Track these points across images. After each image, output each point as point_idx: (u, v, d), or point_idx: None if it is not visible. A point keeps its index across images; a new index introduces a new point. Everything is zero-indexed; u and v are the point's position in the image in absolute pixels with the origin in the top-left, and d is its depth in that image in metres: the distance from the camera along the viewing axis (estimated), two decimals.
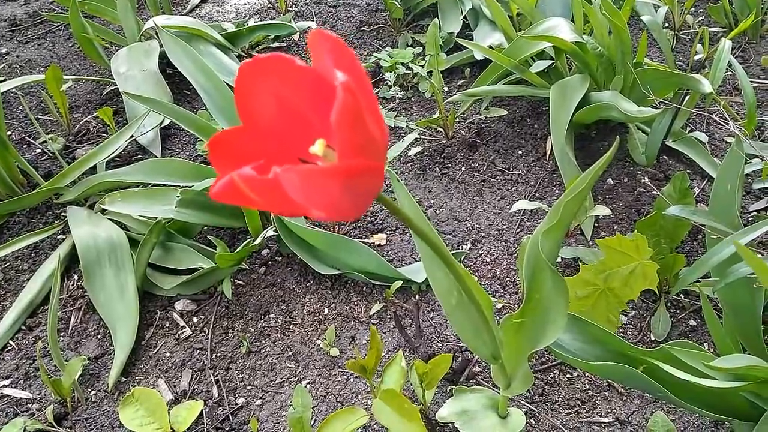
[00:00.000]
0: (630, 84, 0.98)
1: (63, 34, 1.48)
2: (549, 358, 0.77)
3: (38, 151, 1.14)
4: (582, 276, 0.71)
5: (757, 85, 1.15)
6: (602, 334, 0.59)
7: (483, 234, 0.94)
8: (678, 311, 0.82)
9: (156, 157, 1.10)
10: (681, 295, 0.82)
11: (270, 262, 0.91)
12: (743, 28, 1.14)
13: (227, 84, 0.97)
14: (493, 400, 0.65)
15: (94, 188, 0.95)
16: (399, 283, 0.83)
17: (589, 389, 0.74)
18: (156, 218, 0.85)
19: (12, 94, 1.26)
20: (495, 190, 1.01)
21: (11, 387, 0.79)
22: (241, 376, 0.78)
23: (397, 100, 1.22)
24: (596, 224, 0.93)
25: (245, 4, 1.57)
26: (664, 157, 1.02)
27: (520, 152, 1.07)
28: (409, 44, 1.34)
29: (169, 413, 0.66)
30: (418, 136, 1.09)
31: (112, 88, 1.26)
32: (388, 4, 1.35)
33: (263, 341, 0.82)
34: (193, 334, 0.84)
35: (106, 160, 1.02)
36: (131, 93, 0.98)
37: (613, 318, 0.72)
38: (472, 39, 1.26)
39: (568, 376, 0.76)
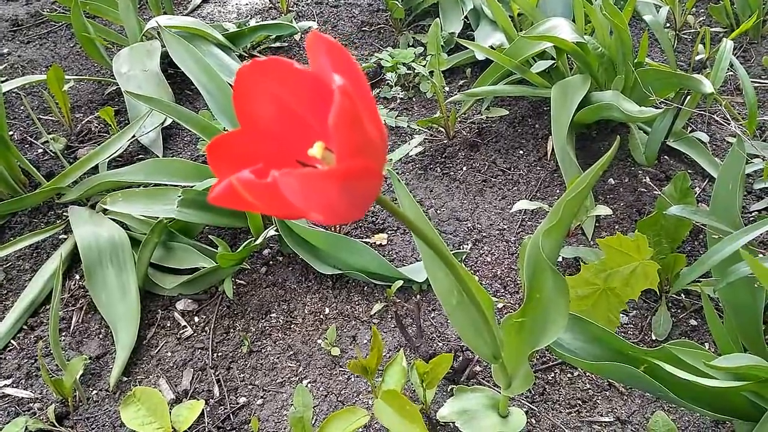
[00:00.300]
0: (631, 84, 0.98)
1: (64, 34, 1.49)
2: (550, 357, 0.77)
3: (40, 151, 1.14)
4: (583, 275, 0.71)
5: (758, 85, 1.15)
6: (603, 333, 0.59)
7: (484, 234, 0.94)
8: (679, 311, 0.82)
9: (158, 157, 1.10)
10: (682, 294, 0.82)
11: (271, 262, 0.92)
12: (745, 29, 1.14)
13: (229, 84, 0.97)
14: (494, 400, 0.65)
15: (95, 188, 0.95)
16: (400, 283, 0.83)
17: (589, 389, 0.74)
18: (157, 218, 0.85)
19: (14, 94, 1.26)
20: (496, 189, 1.01)
21: (13, 386, 0.79)
22: (242, 375, 0.78)
23: (399, 100, 1.22)
24: (597, 224, 0.93)
25: (246, 4, 1.57)
26: (665, 157, 1.02)
27: (521, 152, 1.07)
28: (411, 44, 1.34)
29: (170, 413, 0.66)
30: (423, 137, 1.09)
31: (114, 88, 1.26)
32: (389, 4, 1.36)
33: (264, 341, 0.82)
34: (195, 334, 0.84)
35: (107, 160, 1.02)
36: (133, 93, 0.98)
37: (614, 318, 0.72)
38: (473, 39, 1.26)
39: (568, 375, 0.76)
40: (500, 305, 0.84)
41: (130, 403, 0.66)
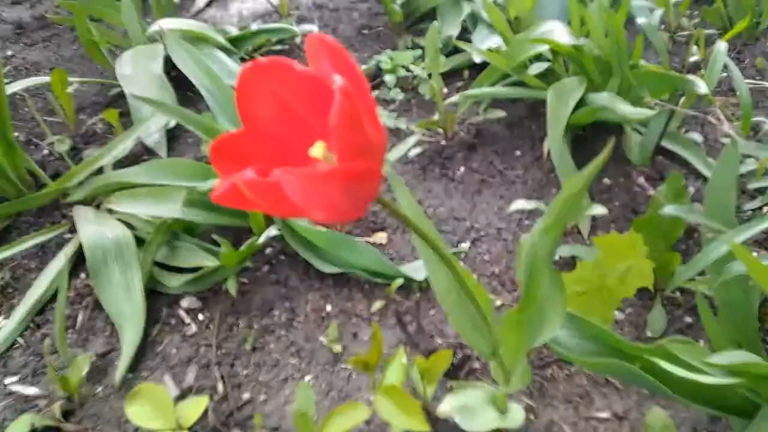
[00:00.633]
0: (626, 86, 0.99)
1: (68, 36, 1.50)
2: (547, 354, 0.79)
3: (45, 152, 1.15)
4: (578, 273, 0.72)
5: (752, 86, 1.16)
6: (599, 330, 0.60)
7: (482, 233, 0.95)
8: (674, 308, 0.83)
9: (162, 158, 1.11)
10: (677, 292, 0.84)
11: (273, 261, 0.93)
12: (738, 30, 1.16)
13: (231, 86, 0.99)
14: (493, 396, 0.66)
15: (100, 188, 0.96)
16: (400, 281, 0.84)
17: (587, 385, 0.76)
18: (162, 218, 0.87)
19: (18, 96, 1.27)
20: (494, 190, 1.03)
21: (19, 383, 0.80)
22: (245, 371, 0.80)
23: (398, 102, 1.24)
24: (593, 223, 0.94)
25: (248, 8, 1.59)
26: (660, 157, 1.03)
27: (518, 153, 1.09)
28: (409, 47, 1.36)
29: (175, 408, 0.67)
30: (418, 137, 1.10)
31: (117, 90, 1.27)
32: (388, 8, 1.37)
33: (267, 338, 0.83)
34: (199, 331, 0.85)
35: (113, 161, 1.03)
36: (138, 95, 0.99)
37: (609, 315, 0.73)
38: (471, 42, 1.28)
39: (566, 372, 0.77)
40: (498, 303, 0.85)
41: (135, 399, 0.67)
